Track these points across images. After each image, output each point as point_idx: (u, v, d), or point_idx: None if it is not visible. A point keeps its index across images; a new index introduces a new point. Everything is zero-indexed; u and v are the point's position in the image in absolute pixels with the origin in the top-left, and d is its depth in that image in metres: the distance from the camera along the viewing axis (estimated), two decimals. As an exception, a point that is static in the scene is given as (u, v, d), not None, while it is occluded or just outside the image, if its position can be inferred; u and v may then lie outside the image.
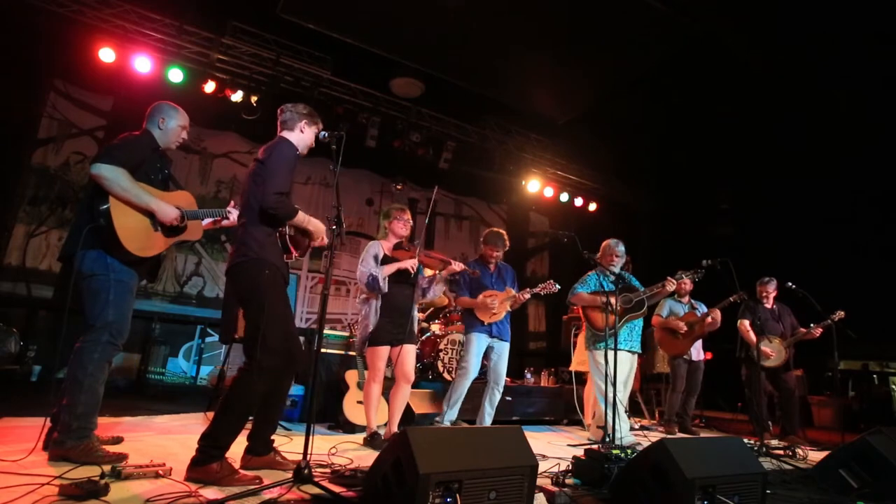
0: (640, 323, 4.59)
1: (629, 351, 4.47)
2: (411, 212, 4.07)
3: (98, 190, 2.64)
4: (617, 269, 4.65)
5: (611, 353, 4.31)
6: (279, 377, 2.65)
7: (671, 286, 4.44)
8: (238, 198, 2.85)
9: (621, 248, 4.67)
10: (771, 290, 5.61)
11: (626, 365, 4.44)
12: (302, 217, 2.71)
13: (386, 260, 3.73)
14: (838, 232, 7.37)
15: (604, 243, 4.76)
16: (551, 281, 4.49)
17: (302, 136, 2.84)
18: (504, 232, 4.50)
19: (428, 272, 4.00)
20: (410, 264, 3.66)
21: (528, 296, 4.39)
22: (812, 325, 5.33)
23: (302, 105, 2.90)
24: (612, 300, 4.21)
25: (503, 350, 4.35)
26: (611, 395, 4.18)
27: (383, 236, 3.88)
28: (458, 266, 3.88)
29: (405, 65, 7.17)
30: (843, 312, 5.14)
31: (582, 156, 9.23)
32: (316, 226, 2.79)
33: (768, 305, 5.62)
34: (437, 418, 4.25)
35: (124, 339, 2.73)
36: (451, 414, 4.16)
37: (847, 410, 7.29)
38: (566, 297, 4.78)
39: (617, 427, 4.19)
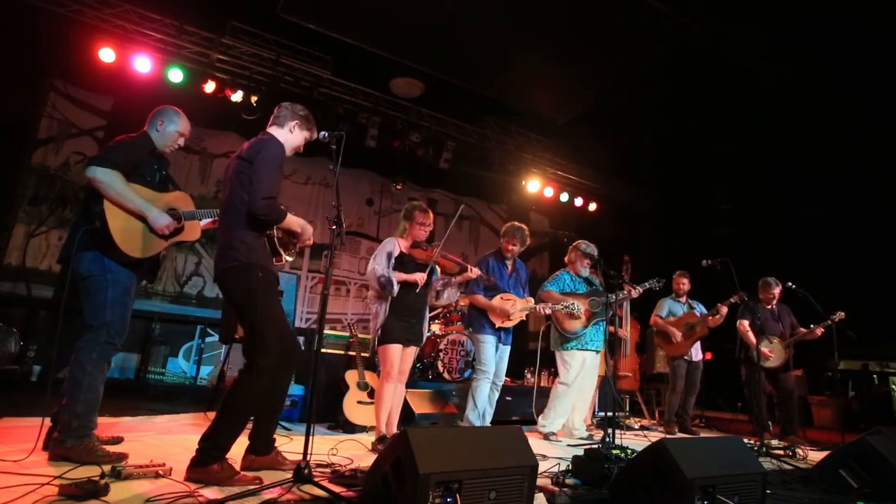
0: (603, 323, 4.67)
1: (595, 351, 4.66)
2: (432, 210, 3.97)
3: (93, 192, 2.65)
4: (586, 273, 4.78)
5: (580, 354, 4.61)
6: (279, 377, 2.65)
7: (635, 294, 4.68)
8: (222, 198, 2.75)
9: (595, 252, 4.69)
10: (777, 293, 5.58)
11: (593, 364, 4.66)
12: (291, 219, 2.67)
13: (402, 258, 3.67)
14: (838, 232, 7.37)
15: (579, 246, 4.75)
16: (575, 303, 4.54)
17: (290, 136, 2.77)
18: (526, 227, 4.44)
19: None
20: (420, 279, 3.60)
21: (548, 311, 4.41)
22: (812, 325, 5.33)
23: (301, 106, 2.85)
24: (579, 302, 4.50)
25: (505, 352, 4.38)
26: (582, 395, 4.64)
27: (401, 234, 3.80)
28: (474, 273, 3.84)
29: (405, 65, 7.16)
30: (843, 313, 5.14)
31: (582, 156, 9.23)
32: (303, 226, 2.74)
33: (769, 306, 5.62)
34: (460, 422, 4.29)
35: (123, 338, 2.74)
36: (475, 419, 4.16)
37: (847, 410, 7.28)
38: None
39: (575, 421, 4.57)
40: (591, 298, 4.63)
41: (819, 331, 5.28)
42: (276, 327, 2.57)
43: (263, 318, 2.50)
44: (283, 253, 2.71)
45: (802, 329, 5.43)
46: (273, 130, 2.76)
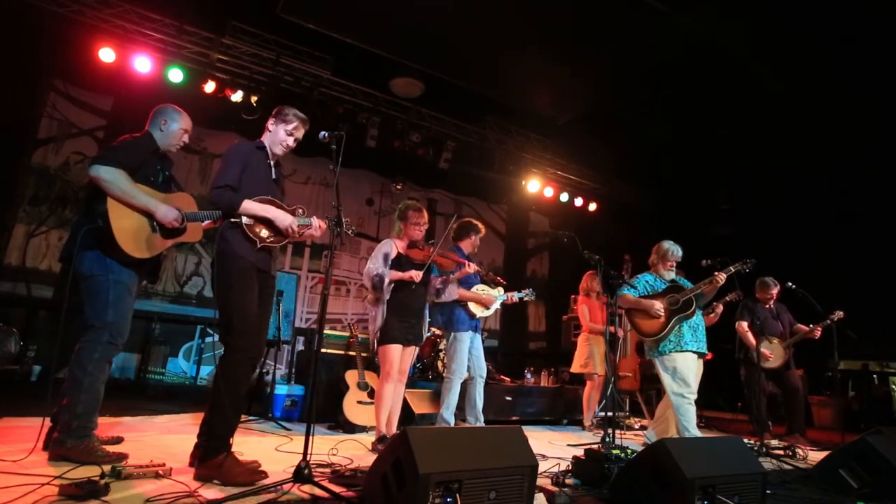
0: (701, 322, 4.29)
1: (695, 352, 4.13)
2: (428, 211, 3.99)
3: (96, 191, 2.64)
4: (671, 275, 4.38)
5: (682, 356, 4.04)
6: (253, 360, 2.67)
7: (721, 280, 4.11)
8: None
9: (680, 252, 4.35)
10: (774, 293, 5.55)
11: (694, 366, 4.13)
12: (249, 206, 2.63)
13: (399, 259, 3.67)
14: (838, 232, 7.38)
15: (662, 246, 4.42)
16: (530, 289, 4.61)
17: (269, 134, 2.85)
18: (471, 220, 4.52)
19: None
20: (415, 275, 3.58)
21: (515, 299, 4.54)
22: (812, 325, 5.32)
23: (286, 106, 2.92)
24: (658, 302, 4.19)
25: (479, 341, 4.37)
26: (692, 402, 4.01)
27: (397, 234, 3.80)
28: (472, 268, 3.83)
29: (405, 65, 7.16)
30: (842, 313, 5.12)
31: (582, 156, 9.23)
32: (275, 214, 2.69)
33: (767, 305, 5.61)
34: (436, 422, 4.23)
35: (124, 339, 2.74)
36: (449, 417, 4.14)
37: (847, 410, 7.29)
38: (565, 297, 4.75)
39: (686, 431, 3.96)
40: (670, 296, 4.22)
41: (818, 331, 5.26)
42: (248, 312, 2.58)
43: (234, 303, 2.54)
44: (257, 241, 2.69)
45: (802, 327, 5.41)
46: (264, 136, 2.88)
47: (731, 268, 4.20)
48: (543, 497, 2.47)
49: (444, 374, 4.24)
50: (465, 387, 4.27)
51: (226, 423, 2.45)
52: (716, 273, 4.13)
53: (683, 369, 4.01)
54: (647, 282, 4.36)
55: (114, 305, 2.67)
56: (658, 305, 4.15)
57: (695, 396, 4.03)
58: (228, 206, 2.62)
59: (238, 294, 2.56)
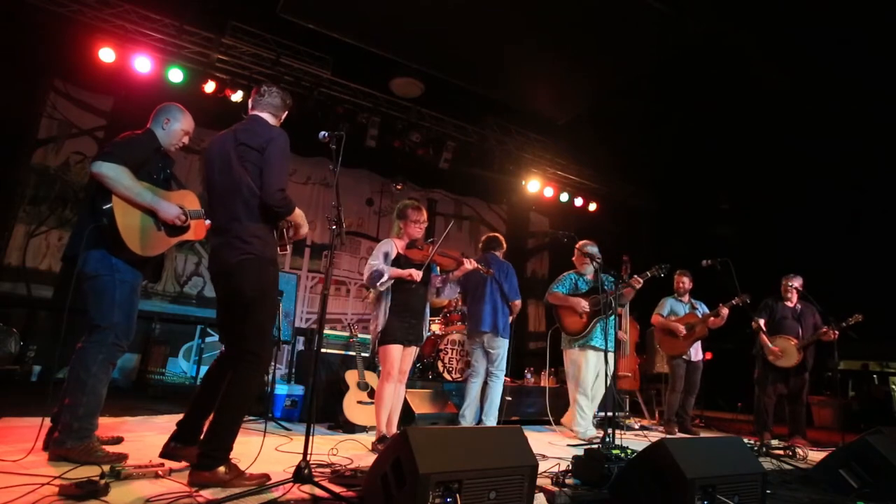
0: (612, 321, 4.66)
1: (598, 348, 4.74)
2: (428, 211, 4.05)
3: (100, 189, 2.62)
4: (591, 270, 4.92)
5: (586, 352, 4.77)
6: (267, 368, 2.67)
7: (638, 285, 4.61)
8: (219, 184, 2.63)
9: (592, 249, 4.82)
10: (794, 286, 5.49)
11: (597, 362, 4.74)
12: (299, 212, 2.67)
13: (398, 259, 3.65)
14: (838, 232, 7.37)
15: (580, 246, 4.96)
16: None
17: (279, 122, 2.77)
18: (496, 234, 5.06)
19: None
20: (415, 274, 3.57)
21: None
22: (826, 327, 5.25)
23: (288, 95, 2.83)
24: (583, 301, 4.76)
25: None
26: (588, 394, 4.80)
27: (397, 234, 3.79)
28: (470, 265, 3.82)
29: (405, 65, 7.17)
30: (860, 316, 5.07)
31: (582, 156, 9.23)
32: (303, 218, 2.73)
33: (790, 304, 5.55)
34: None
35: (129, 340, 2.72)
36: (491, 420, 4.47)
37: (847, 410, 7.29)
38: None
39: (582, 421, 4.75)
40: (594, 297, 4.76)
41: (833, 334, 5.19)
42: (275, 322, 2.58)
43: (270, 313, 2.51)
44: (287, 243, 2.69)
45: (822, 329, 5.32)
46: (266, 117, 2.70)
47: (647, 273, 4.62)
48: (543, 497, 2.47)
49: (495, 374, 4.62)
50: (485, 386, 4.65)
51: (234, 433, 2.42)
52: (635, 276, 4.58)
53: (581, 363, 4.76)
54: (571, 280, 4.99)
55: (120, 306, 2.65)
56: (584, 304, 4.75)
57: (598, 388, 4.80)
58: (289, 213, 2.57)
59: (274, 303, 2.53)
